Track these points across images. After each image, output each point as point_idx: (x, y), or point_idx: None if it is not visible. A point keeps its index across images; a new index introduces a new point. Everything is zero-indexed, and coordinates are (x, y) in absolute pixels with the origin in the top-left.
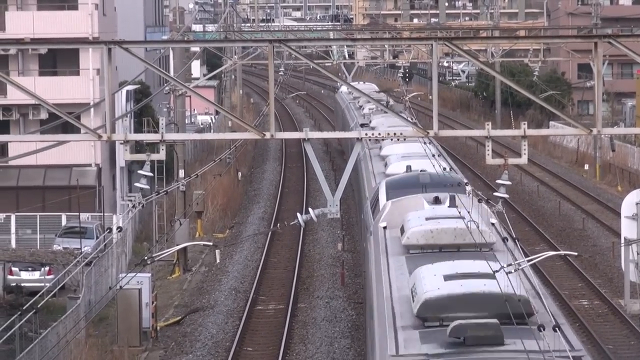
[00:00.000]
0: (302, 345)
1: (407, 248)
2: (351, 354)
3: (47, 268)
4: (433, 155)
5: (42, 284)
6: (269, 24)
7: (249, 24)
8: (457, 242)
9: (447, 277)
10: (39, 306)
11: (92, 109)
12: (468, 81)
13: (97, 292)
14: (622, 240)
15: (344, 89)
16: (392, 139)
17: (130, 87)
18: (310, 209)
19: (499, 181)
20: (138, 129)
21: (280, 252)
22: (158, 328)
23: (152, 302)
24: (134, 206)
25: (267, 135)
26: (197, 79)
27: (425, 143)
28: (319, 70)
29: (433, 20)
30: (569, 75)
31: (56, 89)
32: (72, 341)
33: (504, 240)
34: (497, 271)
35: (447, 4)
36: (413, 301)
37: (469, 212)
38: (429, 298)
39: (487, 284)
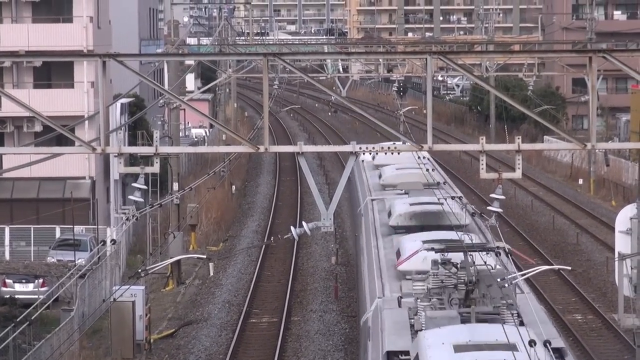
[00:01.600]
0: (296, 358)
1: None
2: None
3: (40, 280)
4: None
5: (36, 296)
6: (264, 37)
7: (243, 38)
8: None
9: None
10: (32, 318)
11: (86, 122)
12: (462, 95)
13: (91, 305)
14: (616, 255)
15: (367, 157)
16: (386, 153)
17: (125, 100)
18: (304, 223)
19: (493, 195)
20: (132, 141)
21: (274, 265)
22: (151, 340)
23: (146, 315)
24: (127, 219)
25: (261, 148)
26: (192, 92)
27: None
28: (313, 83)
29: (428, 34)
30: (563, 90)
31: (51, 102)
32: (65, 353)
33: None
34: None
35: (441, 18)
36: None
37: None
38: None
39: None
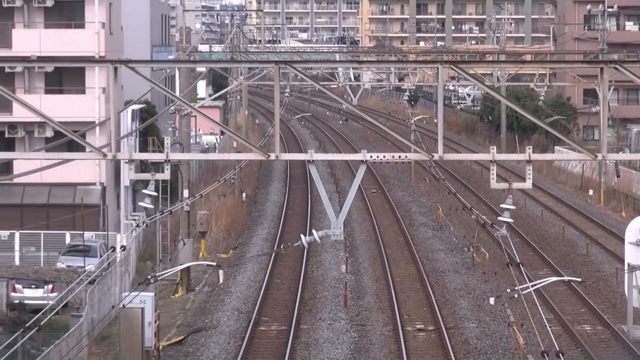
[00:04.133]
0: None
1: None
2: None
3: (50, 286)
4: None
5: (45, 302)
6: (275, 45)
7: (255, 45)
8: None
9: None
10: (41, 324)
11: (97, 128)
12: (473, 105)
13: (100, 311)
14: (626, 266)
15: None
16: (396, 162)
17: (136, 106)
18: (314, 231)
19: (503, 205)
20: (143, 148)
21: (283, 273)
22: (160, 347)
23: (155, 321)
24: (137, 225)
25: (272, 156)
26: (203, 99)
27: None
28: (324, 91)
29: (439, 43)
30: (574, 100)
31: (62, 107)
32: (74, 359)
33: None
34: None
35: (453, 28)
36: None
37: None
38: None
39: None
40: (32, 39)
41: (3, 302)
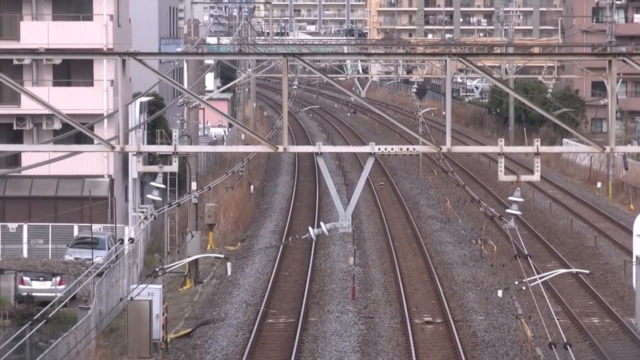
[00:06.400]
0: (312, 359)
1: None
2: None
3: (58, 278)
4: None
5: (53, 294)
6: (284, 37)
7: (263, 37)
8: None
9: None
10: (49, 316)
11: (105, 120)
12: (482, 97)
13: (108, 303)
14: (634, 259)
15: None
16: (404, 154)
17: (144, 99)
18: (322, 223)
19: (511, 198)
20: (151, 140)
21: (291, 265)
22: (168, 340)
23: (163, 314)
24: (145, 217)
25: (280, 148)
26: (211, 91)
27: None
28: (332, 84)
29: (447, 36)
30: (582, 93)
31: (70, 100)
32: (82, 351)
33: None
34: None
35: (461, 20)
36: None
37: None
38: None
39: None
40: (40, 31)
41: (11, 294)
